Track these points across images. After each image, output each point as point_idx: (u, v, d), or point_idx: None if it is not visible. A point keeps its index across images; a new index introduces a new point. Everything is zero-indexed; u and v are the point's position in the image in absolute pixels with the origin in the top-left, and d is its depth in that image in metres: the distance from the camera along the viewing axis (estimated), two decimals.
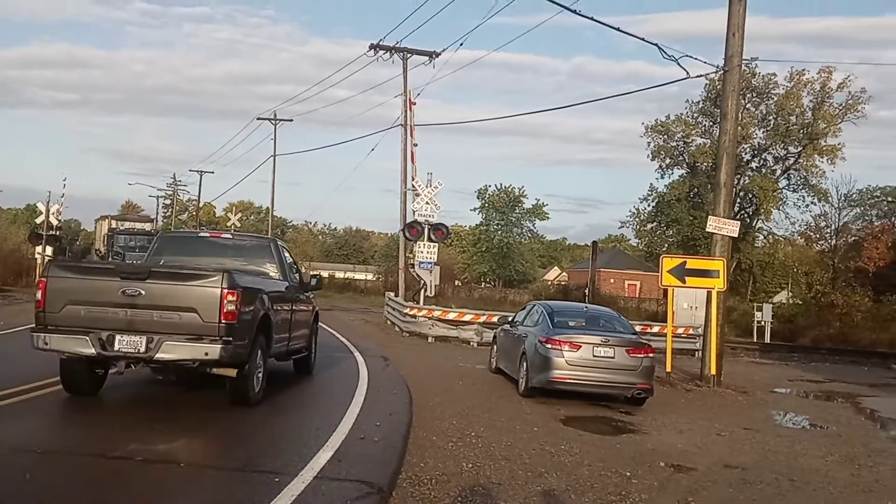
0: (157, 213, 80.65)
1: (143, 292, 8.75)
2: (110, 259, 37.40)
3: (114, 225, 44.66)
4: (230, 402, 9.71)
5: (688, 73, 17.27)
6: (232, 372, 9.19)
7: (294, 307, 11.72)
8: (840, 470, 9.44)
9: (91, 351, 8.72)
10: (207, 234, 13.94)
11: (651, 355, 12.78)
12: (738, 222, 18.41)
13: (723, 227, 16.81)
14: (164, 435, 8.26)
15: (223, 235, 13.65)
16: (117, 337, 8.68)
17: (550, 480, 7.68)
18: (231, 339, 8.81)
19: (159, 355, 8.70)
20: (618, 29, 16.82)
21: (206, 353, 8.71)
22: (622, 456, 9.17)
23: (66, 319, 8.81)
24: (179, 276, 9.15)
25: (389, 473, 7.26)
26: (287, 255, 12.65)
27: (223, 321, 8.72)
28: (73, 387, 9.60)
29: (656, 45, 16.63)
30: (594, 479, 7.87)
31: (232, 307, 8.78)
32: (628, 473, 8.22)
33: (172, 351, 8.70)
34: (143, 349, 8.69)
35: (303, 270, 15.66)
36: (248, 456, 7.56)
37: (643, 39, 16.54)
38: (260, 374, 9.90)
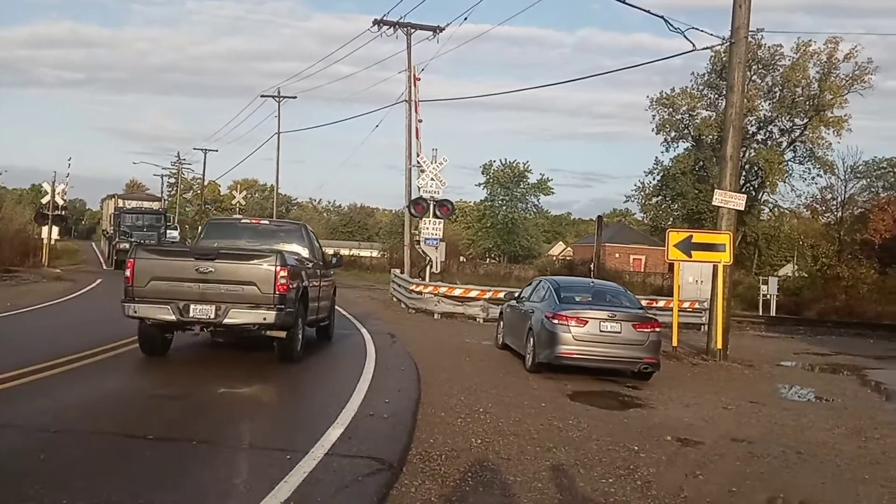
0: (162, 192, 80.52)
1: (213, 270, 10.60)
2: (118, 238, 38.43)
3: (120, 204, 43.59)
4: (279, 359, 11.56)
5: (694, 45, 17.18)
6: (282, 334, 11.11)
7: (321, 282, 13.60)
8: (847, 442, 9.49)
9: (172, 317, 10.60)
10: (248, 220, 15.80)
11: (657, 330, 12.82)
12: (745, 195, 18.32)
13: (729, 200, 16.76)
14: (174, 414, 8.35)
15: (261, 221, 15.69)
16: (192, 306, 10.53)
17: (559, 455, 7.73)
18: (283, 306, 10.68)
19: (227, 320, 10.57)
20: (622, 1, 16.61)
21: (265, 318, 10.59)
22: (630, 430, 9.22)
23: (150, 292, 10.63)
24: (242, 257, 11.09)
25: (399, 450, 7.32)
26: (314, 237, 14.49)
27: (277, 292, 10.62)
28: (150, 348, 11.53)
29: (662, 17, 16.54)
30: (602, 454, 7.92)
31: (284, 281, 10.67)
32: (636, 447, 8.27)
33: (237, 317, 10.56)
34: (213, 316, 10.55)
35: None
36: (261, 433, 7.66)
37: (648, 12, 16.41)
38: (301, 336, 11.84)
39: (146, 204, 46.08)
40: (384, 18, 29.05)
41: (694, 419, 10.31)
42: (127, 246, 29.03)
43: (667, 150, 61.74)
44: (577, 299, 13.38)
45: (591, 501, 6.38)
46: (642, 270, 60.35)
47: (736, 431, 9.67)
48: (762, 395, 12.78)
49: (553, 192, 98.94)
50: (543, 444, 8.14)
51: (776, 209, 62.49)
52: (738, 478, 7.46)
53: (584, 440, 8.49)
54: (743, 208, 17.46)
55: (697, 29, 16.97)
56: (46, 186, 38.79)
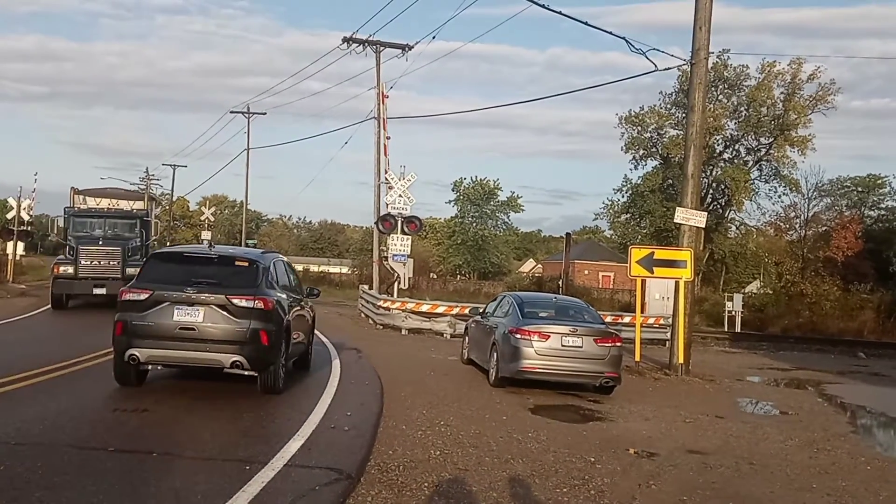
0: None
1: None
2: (61, 254, 24.47)
3: (76, 202, 26.24)
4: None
5: (656, 66, 17.50)
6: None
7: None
8: (798, 453, 9.74)
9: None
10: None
11: (618, 344, 13.03)
12: (706, 213, 18.67)
13: (690, 217, 17.10)
14: (137, 427, 8.39)
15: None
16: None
17: (516, 466, 7.88)
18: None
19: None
20: (585, 23, 17.00)
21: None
22: (588, 442, 9.40)
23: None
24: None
25: (358, 461, 7.44)
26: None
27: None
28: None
29: (624, 38, 16.84)
30: (559, 465, 8.08)
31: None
32: (592, 459, 8.45)
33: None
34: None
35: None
36: (221, 446, 7.72)
37: (611, 33, 16.76)
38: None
39: (122, 203, 26.80)
40: (353, 36, 29.27)
41: (652, 432, 10.50)
42: (70, 271, 22.52)
43: (635, 168, 62.61)
44: (540, 314, 13.57)
45: None
46: (611, 287, 60.80)
47: (692, 443, 9.88)
48: (721, 408, 13.02)
49: (523, 210, 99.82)
50: (502, 455, 8.29)
51: (742, 227, 63.52)
52: (690, 487, 7.65)
53: (542, 452, 8.65)
54: (704, 226, 17.79)
55: (659, 50, 17.33)
56: (12, 202, 38.39)
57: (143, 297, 10.13)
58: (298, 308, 12.26)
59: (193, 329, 10.03)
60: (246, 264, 10.92)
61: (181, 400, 10.09)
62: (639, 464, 8.58)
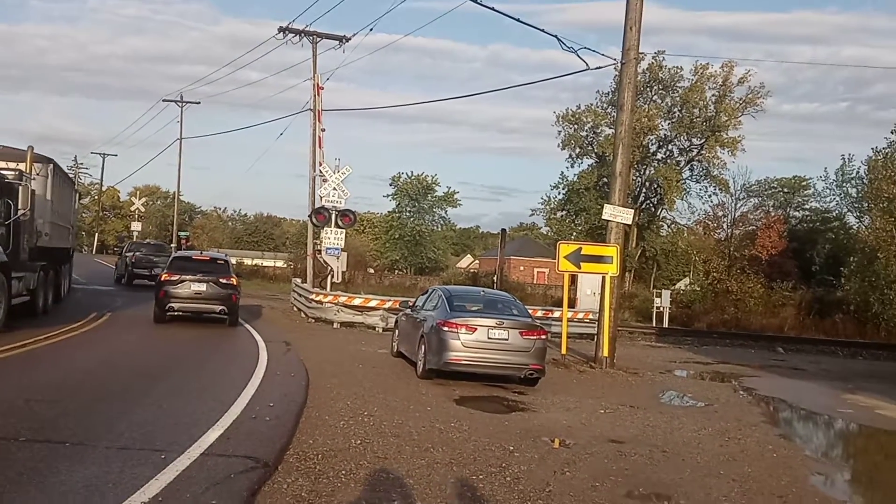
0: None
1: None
2: None
3: None
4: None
5: (587, 65, 17.81)
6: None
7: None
8: (710, 442, 10.10)
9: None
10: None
11: (543, 337, 13.27)
12: (633, 210, 19.12)
13: (618, 214, 17.47)
14: (51, 417, 8.26)
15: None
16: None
17: (435, 454, 8.01)
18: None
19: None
20: (517, 20, 17.19)
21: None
22: (508, 432, 9.58)
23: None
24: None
25: (277, 450, 7.48)
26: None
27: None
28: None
29: (556, 36, 17.12)
30: (478, 453, 8.24)
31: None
32: (511, 448, 8.63)
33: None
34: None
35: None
36: (137, 436, 7.65)
37: (543, 31, 17.03)
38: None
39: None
40: (290, 26, 28.99)
41: (572, 422, 10.75)
42: None
43: (572, 166, 63.58)
44: (468, 308, 13.72)
45: (458, 496, 6.66)
46: (545, 283, 61.54)
47: (610, 433, 10.15)
48: (641, 399, 13.38)
49: (460, 205, 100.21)
50: (422, 444, 8.41)
51: (674, 225, 65.03)
52: (603, 474, 7.89)
53: (462, 441, 8.79)
54: (630, 222, 18.20)
55: (589, 49, 17.76)
56: None
57: (174, 278, 19.09)
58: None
59: (201, 294, 19.15)
60: (223, 262, 20.91)
61: (99, 392, 9.97)
62: (556, 452, 8.81)
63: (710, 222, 60.71)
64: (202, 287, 19.01)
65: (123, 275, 34.21)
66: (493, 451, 8.39)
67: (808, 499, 7.71)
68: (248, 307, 26.93)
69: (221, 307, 19.13)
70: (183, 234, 54.80)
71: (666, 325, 33.77)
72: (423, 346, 13.45)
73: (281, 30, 29.11)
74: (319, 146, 28.00)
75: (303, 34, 29.19)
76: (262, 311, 26.64)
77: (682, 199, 60.73)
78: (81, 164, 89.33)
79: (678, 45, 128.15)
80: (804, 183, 66.90)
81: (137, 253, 34.52)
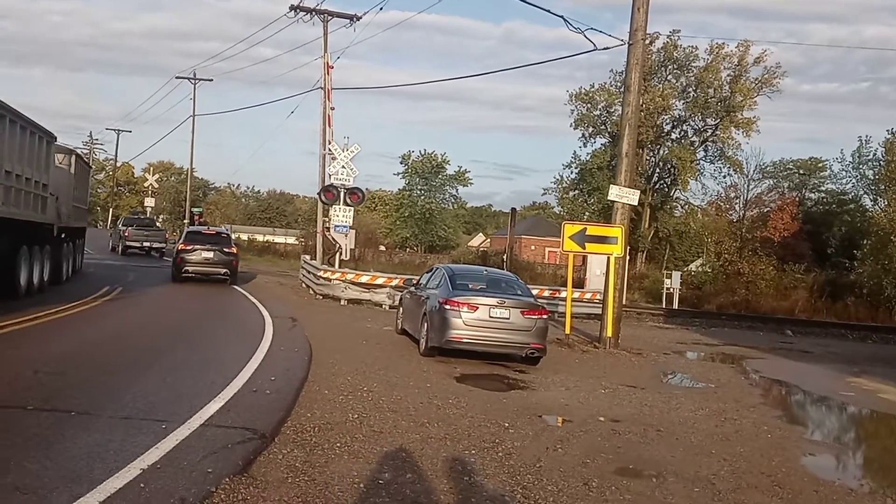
0: None
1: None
2: None
3: None
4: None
5: (595, 45, 17.84)
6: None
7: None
8: (706, 422, 10.21)
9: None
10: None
11: (545, 317, 13.40)
12: (639, 191, 19.14)
13: (624, 195, 17.53)
14: (58, 388, 8.47)
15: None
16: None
17: (431, 430, 8.17)
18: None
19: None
20: (524, 0, 17.15)
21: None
22: (505, 409, 9.72)
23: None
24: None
25: (275, 422, 7.67)
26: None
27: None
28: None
29: (562, 17, 17.18)
30: (473, 429, 8.39)
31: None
32: (507, 424, 8.77)
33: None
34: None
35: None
36: (140, 406, 7.85)
37: (549, 11, 16.93)
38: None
39: None
40: (301, 4, 29.02)
41: (570, 400, 10.89)
42: None
43: (584, 146, 63.29)
44: (471, 286, 13.84)
45: (450, 470, 6.82)
46: (555, 263, 61.58)
47: (606, 411, 10.27)
48: (642, 380, 13.48)
49: (471, 184, 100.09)
50: (419, 419, 8.57)
51: (687, 206, 64.74)
52: (595, 451, 8.03)
53: (458, 417, 8.95)
54: (636, 203, 18.25)
55: (596, 30, 17.61)
56: None
57: (189, 247, 24.56)
58: None
59: (209, 259, 24.45)
60: (226, 236, 26.73)
61: (105, 364, 10.18)
62: (550, 429, 8.96)
63: (722, 203, 60.44)
64: (210, 255, 24.42)
65: (117, 246, 39.53)
66: (489, 428, 8.53)
67: (797, 478, 7.82)
68: (257, 283, 27.31)
69: (225, 270, 24.94)
70: (196, 210, 55.20)
71: (676, 306, 33.82)
72: (425, 324, 13.60)
73: (292, 8, 29.17)
74: (329, 125, 28.12)
75: (314, 12, 29.21)
76: (272, 287, 26.92)
77: (695, 180, 60.44)
78: (97, 139, 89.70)
79: (695, 24, 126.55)
80: (820, 164, 66.47)
81: (130, 228, 39.58)
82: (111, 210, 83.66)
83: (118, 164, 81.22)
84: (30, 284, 16.86)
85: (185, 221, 49.00)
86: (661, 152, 61.40)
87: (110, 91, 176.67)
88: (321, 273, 23.98)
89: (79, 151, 23.17)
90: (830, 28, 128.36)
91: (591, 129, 62.23)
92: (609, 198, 18.02)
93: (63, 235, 20.25)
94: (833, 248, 55.28)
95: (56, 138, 18.52)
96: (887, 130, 47.42)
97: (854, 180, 56.92)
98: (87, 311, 16.00)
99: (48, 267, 18.50)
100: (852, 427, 12.86)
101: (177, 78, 51.84)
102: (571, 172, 65.20)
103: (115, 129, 70.65)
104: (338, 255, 25.60)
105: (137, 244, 38.71)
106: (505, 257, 40.49)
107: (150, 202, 58.30)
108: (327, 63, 28.46)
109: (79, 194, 22.81)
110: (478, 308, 12.94)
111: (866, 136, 63.46)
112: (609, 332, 17.16)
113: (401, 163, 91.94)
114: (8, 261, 15.50)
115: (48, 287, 18.21)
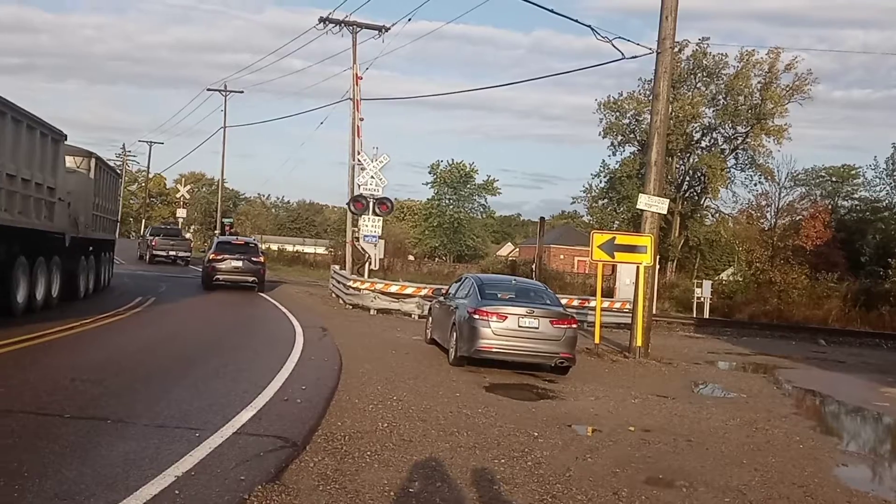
0: None
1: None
2: None
3: None
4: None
5: (623, 54, 17.80)
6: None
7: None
8: (737, 432, 10.14)
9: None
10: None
11: (574, 326, 13.39)
12: (668, 200, 19.05)
13: (653, 204, 17.47)
14: (95, 396, 8.64)
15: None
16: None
17: (460, 439, 8.21)
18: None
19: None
20: (550, 10, 17.24)
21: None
22: (535, 419, 9.73)
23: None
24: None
25: (306, 430, 7.76)
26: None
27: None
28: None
29: (590, 26, 17.18)
30: (502, 438, 8.42)
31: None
32: (536, 434, 8.79)
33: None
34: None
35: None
36: (174, 415, 7.98)
37: (577, 21, 16.99)
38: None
39: None
40: (330, 16, 29.33)
41: (600, 410, 10.87)
42: None
43: (614, 154, 63.12)
44: (499, 296, 13.88)
45: (479, 479, 6.85)
46: (585, 272, 61.35)
47: (636, 421, 10.25)
48: (672, 390, 13.42)
49: (500, 193, 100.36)
50: (448, 428, 8.62)
51: (718, 214, 64.18)
52: (625, 461, 8.02)
53: (488, 426, 8.98)
54: (665, 212, 18.18)
55: (624, 38, 17.62)
56: None
57: (219, 257, 25.94)
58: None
59: (238, 268, 25.87)
60: (254, 245, 28.15)
61: (140, 373, 10.34)
62: (580, 439, 8.95)
63: (753, 212, 59.85)
64: (239, 263, 25.89)
65: (145, 254, 41.30)
66: (518, 437, 8.56)
67: (830, 489, 7.75)
68: (287, 293, 27.55)
69: (253, 278, 26.20)
70: (227, 220, 55.84)
71: (706, 316, 33.53)
72: (454, 334, 13.65)
73: (321, 20, 29.49)
74: (358, 135, 28.34)
75: (343, 24, 29.49)
76: (301, 297, 27.12)
77: (726, 188, 59.95)
78: (129, 151, 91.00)
79: (726, 31, 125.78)
80: (853, 172, 65.66)
81: (157, 237, 41.59)
82: (143, 221, 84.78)
83: (150, 176, 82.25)
84: (31, 300, 15.04)
85: (216, 232, 49.60)
86: (691, 160, 61.05)
87: (143, 103, 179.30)
88: (351, 283, 24.13)
89: (99, 154, 20.10)
90: (864, 33, 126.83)
91: (620, 138, 62.09)
92: (638, 207, 17.98)
93: (82, 247, 18.73)
94: (867, 257, 54.51)
95: (66, 137, 16.49)
96: None
97: (888, 187, 56.29)
98: (120, 321, 16.25)
99: (57, 282, 16.75)
100: (886, 438, 12.69)
101: (208, 90, 52.60)
102: (600, 181, 65.15)
103: (147, 141, 71.65)
104: (367, 264, 25.75)
105: (164, 253, 40.49)
106: (534, 266, 40.42)
107: (181, 213, 59.05)
108: (356, 74, 28.71)
109: (103, 203, 21.02)
110: (507, 318, 12.96)
111: None
112: (639, 342, 17.08)
113: (429, 172, 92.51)
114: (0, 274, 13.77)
115: (57, 304, 16.74)
